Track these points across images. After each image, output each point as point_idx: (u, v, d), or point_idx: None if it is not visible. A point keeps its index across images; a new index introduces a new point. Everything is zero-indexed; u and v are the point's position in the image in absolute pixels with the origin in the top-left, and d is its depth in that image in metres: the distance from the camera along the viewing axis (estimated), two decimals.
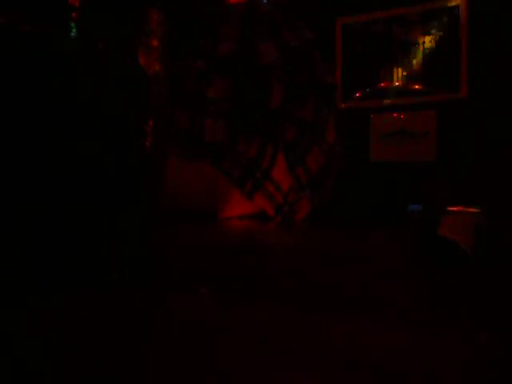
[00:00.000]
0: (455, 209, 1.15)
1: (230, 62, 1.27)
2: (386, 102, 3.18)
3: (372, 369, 0.31)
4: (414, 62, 3.20)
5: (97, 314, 0.43)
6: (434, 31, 3.15)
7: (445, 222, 0.95)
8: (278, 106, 1.28)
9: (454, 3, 3.08)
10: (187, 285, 0.56)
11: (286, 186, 1.34)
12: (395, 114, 3.19)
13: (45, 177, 0.43)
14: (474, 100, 2.94)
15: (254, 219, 1.40)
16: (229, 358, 0.34)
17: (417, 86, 3.16)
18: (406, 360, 0.34)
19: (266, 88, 1.28)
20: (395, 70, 3.27)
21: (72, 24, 0.44)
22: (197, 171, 1.31)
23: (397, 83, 3.26)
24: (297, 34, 1.47)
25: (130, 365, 0.33)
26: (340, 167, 1.76)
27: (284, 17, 1.49)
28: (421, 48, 3.18)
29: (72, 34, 0.44)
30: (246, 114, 1.27)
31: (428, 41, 3.17)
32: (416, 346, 0.37)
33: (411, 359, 0.34)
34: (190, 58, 1.27)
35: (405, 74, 3.22)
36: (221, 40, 1.32)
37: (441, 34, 3.14)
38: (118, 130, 0.48)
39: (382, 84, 3.30)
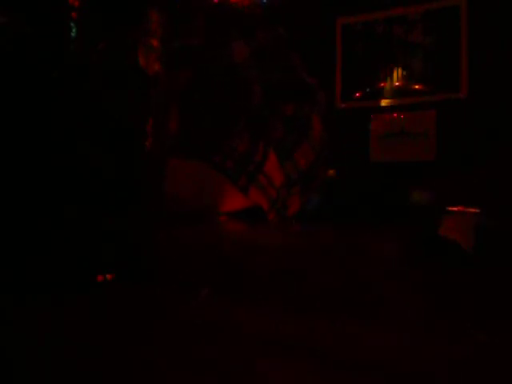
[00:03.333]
0: (455, 209, 1.15)
1: (193, 54, 1.28)
2: (386, 102, 3.18)
3: (372, 369, 0.31)
4: (414, 62, 3.20)
5: (96, 314, 0.43)
6: (434, 31, 3.15)
7: (445, 222, 0.96)
8: (258, 105, 1.30)
9: (453, 3, 3.08)
10: (187, 285, 0.56)
11: (277, 181, 1.35)
12: (395, 114, 3.19)
13: (44, 176, 0.43)
14: (474, 100, 2.94)
15: (251, 219, 1.40)
16: (228, 359, 0.34)
17: (417, 86, 3.16)
18: (405, 360, 0.34)
19: (243, 87, 1.29)
20: (395, 69, 3.27)
21: (72, 24, 0.44)
22: (196, 172, 1.31)
23: (397, 83, 3.26)
24: (270, 32, 1.48)
25: (129, 365, 0.33)
26: (326, 167, 1.77)
27: (257, 15, 1.50)
28: (421, 48, 3.18)
29: (72, 34, 0.43)
30: (221, 109, 1.28)
31: (428, 41, 3.17)
32: (416, 345, 0.37)
33: (411, 359, 0.34)
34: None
35: (405, 73, 3.22)
36: (188, 33, 1.32)
37: (441, 33, 3.13)
38: (117, 130, 0.48)
39: (382, 84, 3.29)
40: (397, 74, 3.23)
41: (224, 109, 1.29)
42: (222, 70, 1.30)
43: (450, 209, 1.15)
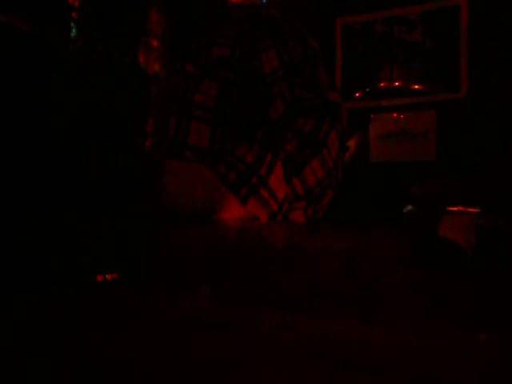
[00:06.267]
0: (455, 209, 1.15)
1: (221, 66, 1.25)
2: (386, 102, 3.18)
3: (372, 369, 0.31)
4: (414, 62, 3.21)
5: (96, 313, 0.43)
6: (433, 31, 3.15)
7: (445, 222, 0.95)
8: (278, 120, 1.27)
9: (453, 3, 3.08)
10: (187, 285, 0.56)
11: (281, 195, 1.33)
12: (395, 114, 3.19)
13: (43, 176, 0.43)
14: (474, 100, 2.94)
15: (251, 219, 1.40)
16: (227, 358, 0.34)
17: (417, 86, 3.17)
18: (406, 360, 0.34)
19: (267, 100, 1.27)
20: (395, 69, 3.28)
21: (72, 24, 0.44)
22: (196, 172, 1.31)
23: (397, 83, 3.26)
24: (302, 44, 1.44)
25: (129, 365, 0.33)
26: (339, 185, 1.73)
27: (290, 24, 1.45)
28: (421, 48, 3.19)
29: (72, 34, 0.44)
30: (243, 122, 1.26)
31: (428, 41, 3.17)
32: (416, 346, 0.37)
33: (411, 359, 0.34)
34: (182, 61, 1.25)
35: (405, 74, 3.22)
36: (217, 43, 1.29)
37: (441, 33, 3.14)
38: (117, 129, 0.48)
39: (382, 84, 3.30)
40: (397, 73, 3.24)
41: (242, 120, 1.27)
42: (250, 80, 1.27)
43: (450, 209, 1.15)
